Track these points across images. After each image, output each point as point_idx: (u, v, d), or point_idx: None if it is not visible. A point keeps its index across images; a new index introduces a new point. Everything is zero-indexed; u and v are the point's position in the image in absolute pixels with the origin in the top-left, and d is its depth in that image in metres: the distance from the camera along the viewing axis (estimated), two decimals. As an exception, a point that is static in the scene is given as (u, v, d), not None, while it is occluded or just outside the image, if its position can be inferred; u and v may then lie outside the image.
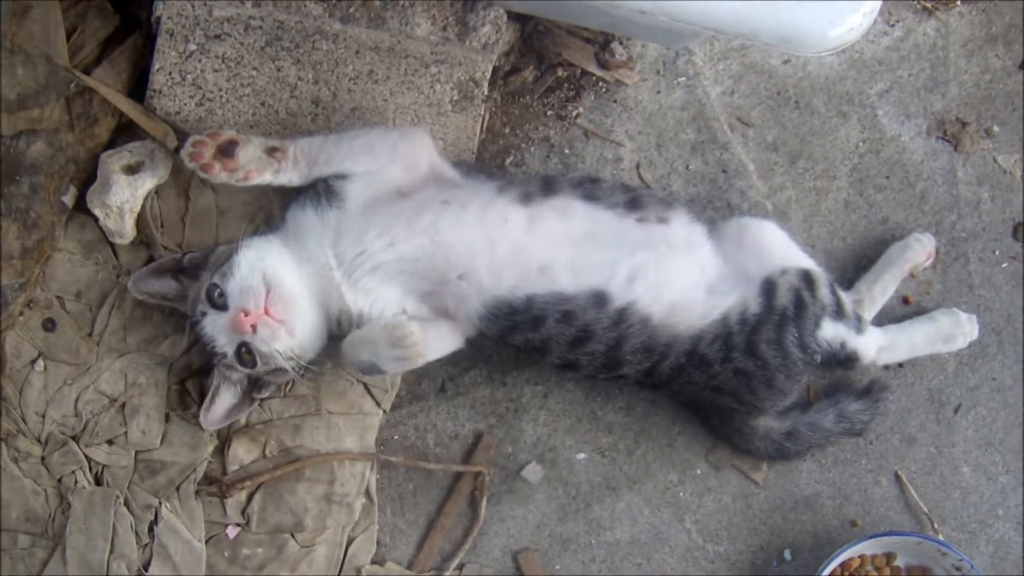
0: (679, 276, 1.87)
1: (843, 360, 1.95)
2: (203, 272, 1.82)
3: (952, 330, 2.10)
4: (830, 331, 1.90)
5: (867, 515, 2.12)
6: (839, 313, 1.92)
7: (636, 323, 1.83)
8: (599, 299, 1.81)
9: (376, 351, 1.74)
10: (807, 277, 1.90)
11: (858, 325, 1.96)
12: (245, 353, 1.76)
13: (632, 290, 1.82)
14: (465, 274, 1.79)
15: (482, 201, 1.82)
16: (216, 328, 1.77)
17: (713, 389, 1.91)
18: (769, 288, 1.88)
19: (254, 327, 1.73)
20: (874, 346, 2.01)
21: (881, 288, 2.10)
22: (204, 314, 1.77)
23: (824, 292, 1.90)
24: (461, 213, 1.80)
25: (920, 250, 2.11)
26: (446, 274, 1.79)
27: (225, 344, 1.77)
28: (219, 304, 1.76)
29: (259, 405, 1.94)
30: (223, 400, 1.85)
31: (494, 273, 1.79)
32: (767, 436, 2.03)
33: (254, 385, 1.86)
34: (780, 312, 1.86)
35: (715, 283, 1.90)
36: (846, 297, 1.97)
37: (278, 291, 1.76)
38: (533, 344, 1.84)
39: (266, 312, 1.74)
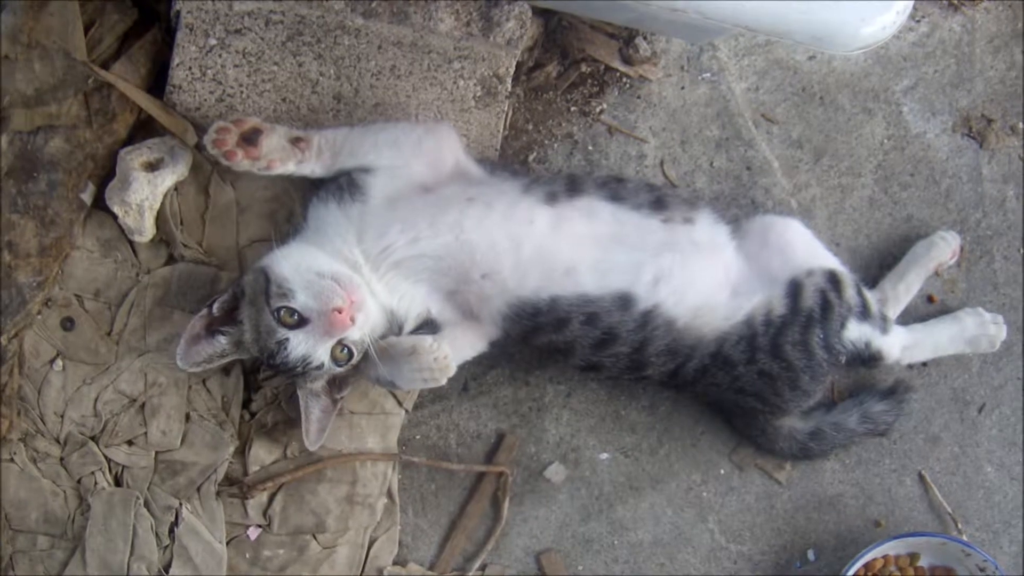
0: (704, 278, 1.86)
1: (867, 359, 1.95)
2: (241, 308, 1.76)
3: (976, 331, 2.09)
4: (855, 332, 1.90)
5: (891, 515, 2.12)
6: (865, 314, 1.91)
7: (661, 325, 1.81)
8: (624, 301, 1.79)
9: (397, 370, 1.74)
10: (833, 278, 1.89)
11: (883, 325, 1.95)
12: (340, 352, 1.72)
13: (657, 292, 1.81)
14: (489, 273, 1.77)
15: (508, 200, 1.80)
16: (308, 344, 1.70)
17: (737, 390, 1.90)
18: (795, 289, 1.87)
19: (353, 319, 1.69)
20: (899, 345, 2.00)
21: (906, 287, 2.08)
22: (283, 341, 1.70)
23: (850, 293, 1.89)
24: (486, 212, 1.78)
25: (945, 248, 2.09)
26: (470, 273, 1.77)
27: (322, 353, 1.71)
28: (296, 323, 1.70)
29: (280, 405, 1.93)
30: (315, 415, 1.81)
31: (519, 273, 1.77)
32: (791, 436, 2.02)
33: (333, 386, 1.82)
34: (806, 314, 1.85)
35: (740, 284, 1.89)
36: (871, 297, 1.96)
37: (345, 280, 1.72)
38: (557, 346, 1.83)
39: (351, 297, 1.70)
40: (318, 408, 1.81)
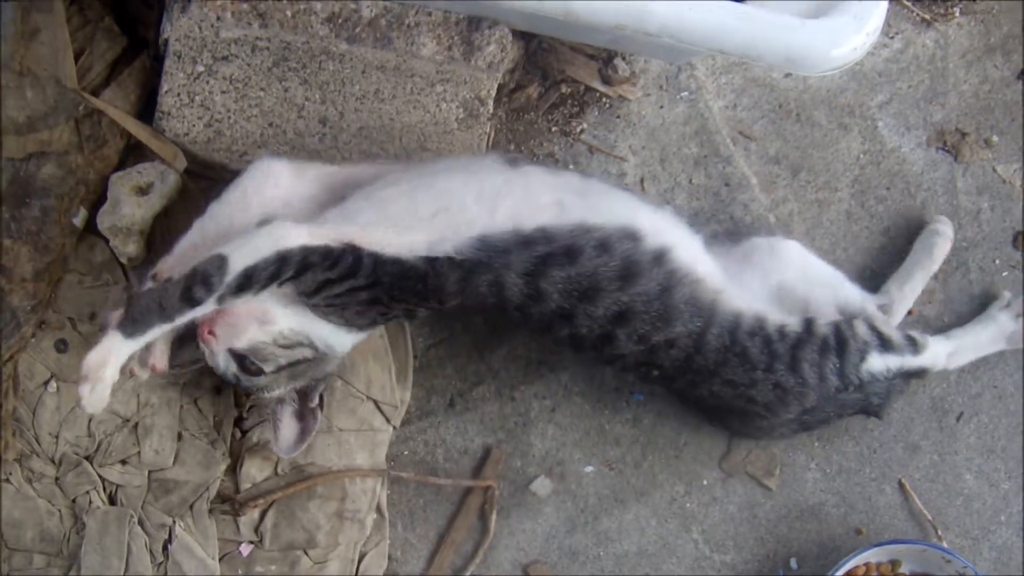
0: (695, 246, 1.86)
1: (912, 375, 1.98)
2: None
3: (1013, 326, 2.10)
4: (879, 363, 1.90)
5: (872, 523, 2.15)
6: (886, 346, 1.91)
7: (677, 271, 1.77)
8: (631, 234, 1.75)
9: None
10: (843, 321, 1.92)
11: (913, 348, 1.95)
12: (248, 363, 1.73)
13: (661, 236, 1.78)
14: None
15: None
16: (210, 355, 1.76)
17: (747, 399, 1.89)
18: (808, 321, 1.89)
19: (212, 332, 1.71)
20: (942, 354, 2.01)
21: (912, 288, 2.10)
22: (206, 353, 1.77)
23: (863, 330, 1.91)
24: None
25: (945, 243, 2.12)
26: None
27: (224, 365, 1.75)
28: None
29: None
30: (286, 424, 1.82)
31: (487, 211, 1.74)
32: (788, 422, 2.00)
33: (304, 397, 1.82)
34: (822, 339, 1.87)
35: (730, 280, 1.90)
36: (892, 331, 1.96)
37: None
38: (581, 286, 1.73)
39: (216, 312, 1.70)
40: (288, 415, 1.83)
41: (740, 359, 1.83)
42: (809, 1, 1.73)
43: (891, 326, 1.99)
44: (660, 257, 1.77)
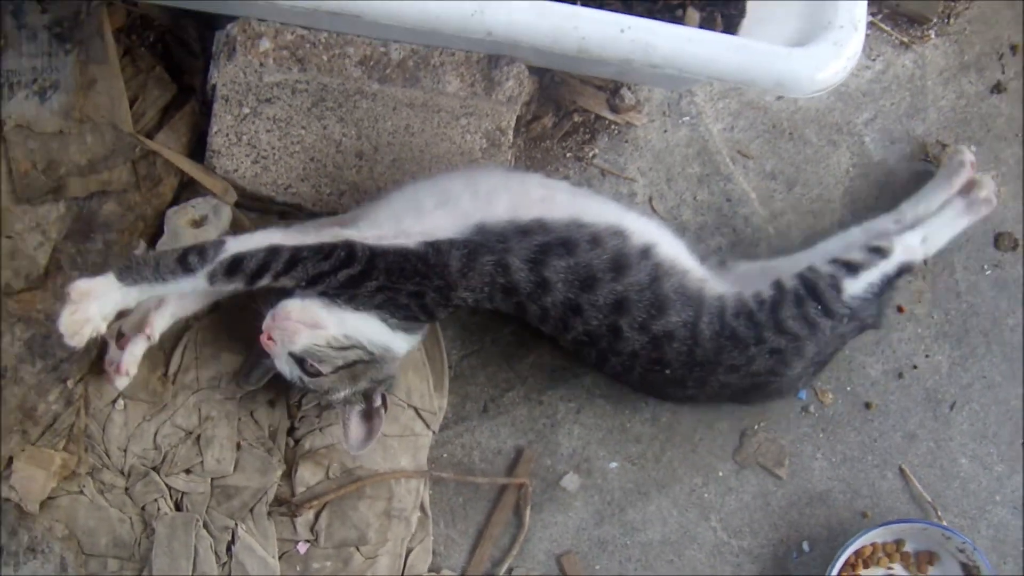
0: (677, 245, 2.01)
1: (899, 275, 2.06)
2: None
3: (967, 198, 2.16)
4: (858, 286, 2.00)
5: (876, 506, 2.26)
6: (854, 268, 2.01)
7: (663, 263, 1.91)
8: (619, 232, 1.89)
9: None
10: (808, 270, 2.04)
11: (881, 254, 2.04)
12: (307, 366, 1.84)
13: (648, 232, 1.94)
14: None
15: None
16: (277, 362, 1.89)
17: (753, 375, 1.99)
18: (777, 283, 2.01)
19: (271, 338, 1.84)
20: (915, 243, 2.08)
21: (926, 207, 2.17)
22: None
23: (825, 268, 2.01)
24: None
25: (964, 172, 2.17)
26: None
27: (285, 368, 1.88)
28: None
29: (321, 431, 2.09)
30: (354, 424, 1.91)
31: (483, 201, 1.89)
32: (799, 374, 2.08)
33: (367, 398, 1.91)
34: (793, 292, 1.97)
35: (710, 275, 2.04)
36: (853, 253, 2.05)
37: (281, 303, 1.86)
38: (579, 273, 1.86)
39: (273, 320, 1.85)
40: (354, 416, 1.92)
41: (732, 342, 1.95)
42: (794, 31, 1.90)
43: (858, 251, 2.06)
44: (646, 251, 1.92)
